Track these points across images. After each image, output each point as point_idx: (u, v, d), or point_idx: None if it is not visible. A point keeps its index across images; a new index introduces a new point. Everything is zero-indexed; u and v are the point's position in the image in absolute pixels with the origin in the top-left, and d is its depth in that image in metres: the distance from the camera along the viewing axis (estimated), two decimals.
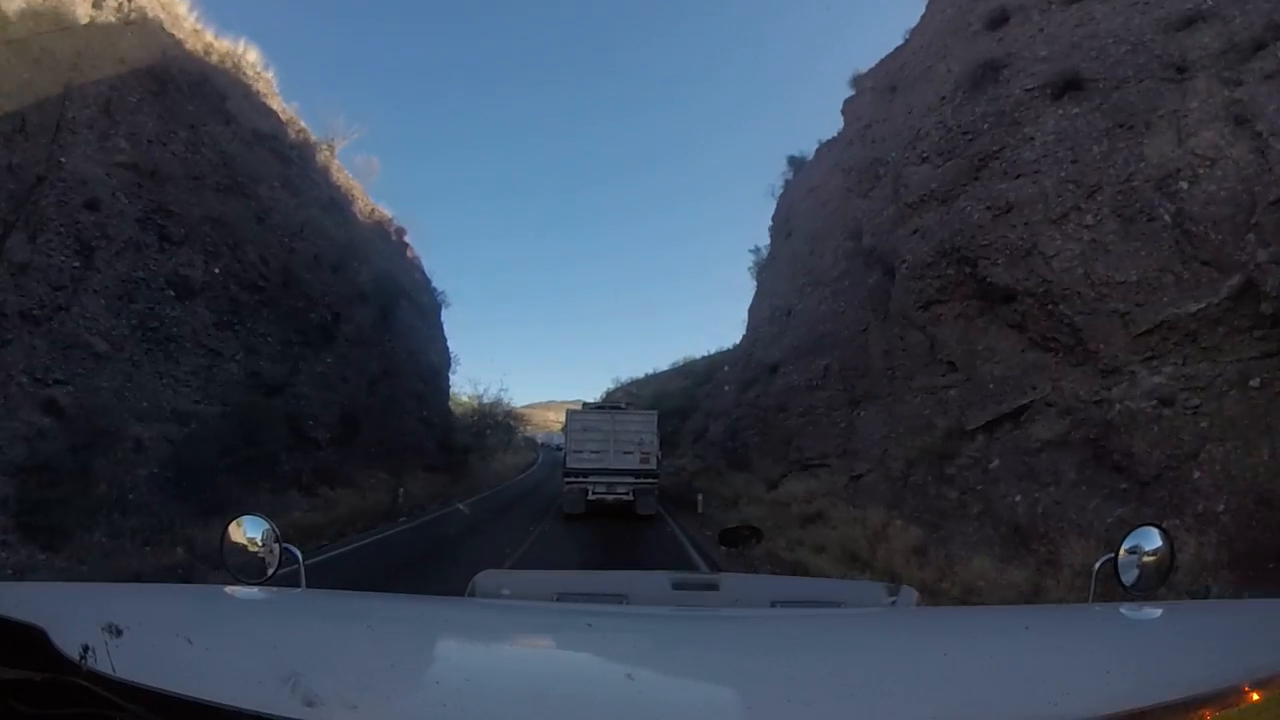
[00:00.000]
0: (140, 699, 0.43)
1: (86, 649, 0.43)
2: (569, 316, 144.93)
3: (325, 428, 10.32)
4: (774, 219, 15.98)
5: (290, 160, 11.88)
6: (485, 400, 24.89)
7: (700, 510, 10.02)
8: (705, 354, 25.94)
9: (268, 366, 9.37)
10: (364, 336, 12.53)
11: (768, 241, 16.19)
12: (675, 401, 22.96)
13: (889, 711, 0.51)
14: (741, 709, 0.55)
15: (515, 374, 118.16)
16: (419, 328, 16.26)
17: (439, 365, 18.17)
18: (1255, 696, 0.44)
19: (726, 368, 18.56)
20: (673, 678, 0.65)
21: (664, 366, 30.56)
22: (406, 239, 18.14)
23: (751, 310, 16.16)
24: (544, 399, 48.32)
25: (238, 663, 0.55)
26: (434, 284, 18.36)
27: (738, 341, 17.74)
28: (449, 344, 19.10)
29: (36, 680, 0.44)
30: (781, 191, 15.95)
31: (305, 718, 0.42)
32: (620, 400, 19.04)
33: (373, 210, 16.26)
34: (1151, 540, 0.93)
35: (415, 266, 18.29)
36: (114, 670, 0.43)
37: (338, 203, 13.69)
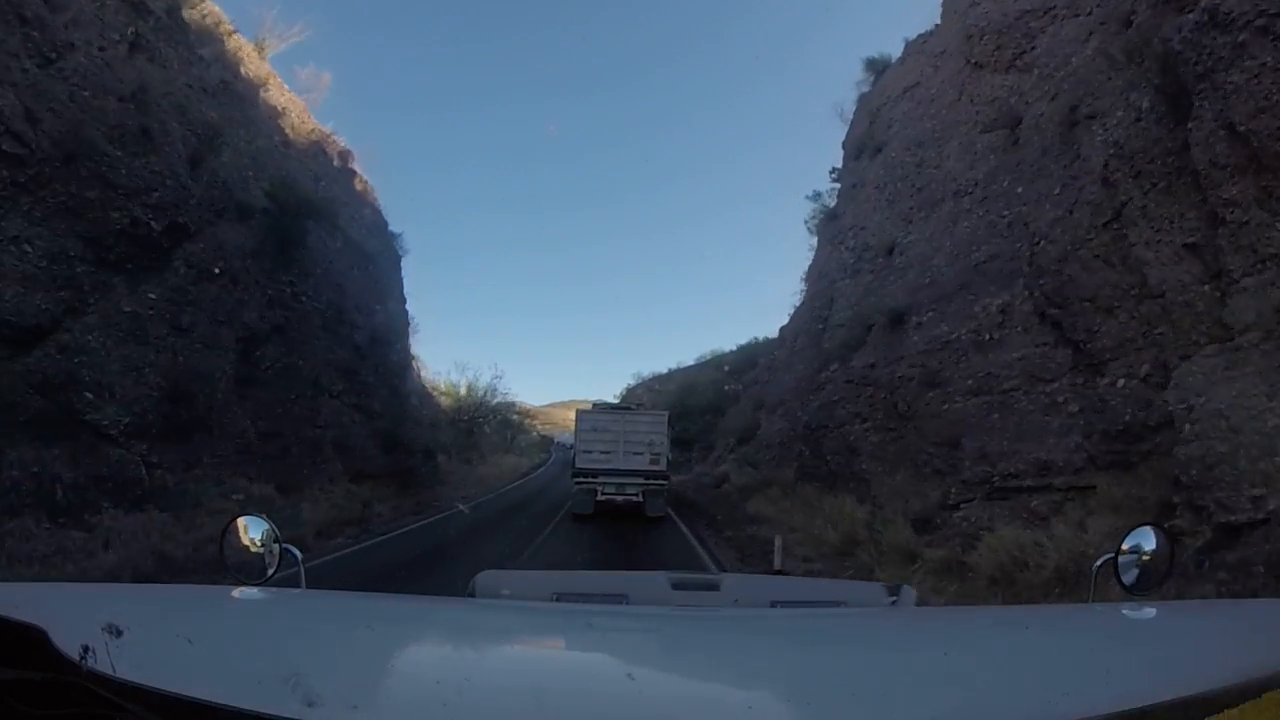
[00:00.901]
0: (140, 699, 0.47)
1: (86, 649, 0.46)
2: (591, 312, 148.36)
3: (125, 406, 6.65)
4: (847, 143, 13.26)
5: (150, 13, 8.19)
6: (476, 389, 21.96)
7: (778, 566, 5.84)
8: (737, 345, 25.16)
9: (16, 295, 6.07)
10: (235, 270, 8.44)
11: (831, 185, 13.50)
12: (706, 395, 21.23)
13: (890, 711, 0.57)
14: (742, 709, 0.60)
15: (536, 371, 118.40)
16: (356, 276, 12.20)
17: (387, 332, 13.94)
18: (1255, 696, 0.46)
19: (759, 361, 16.44)
20: (673, 677, 0.71)
21: (689, 360, 30.58)
22: (354, 166, 14.41)
23: (815, 268, 13.75)
24: (565, 398, 49.05)
25: (238, 663, 0.60)
26: (395, 232, 14.28)
27: (786, 322, 15.70)
28: (410, 309, 14.96)
29: (36, 680, 0.48)
30: (856, 107, 12.85)
31: (305, 718, 0.46)
32: (641, 397, 19.22)
33: (312, 129, 13.05)
34: (1151, 540, 0.99)
35: (364, 202, 14.78)
36: (114, 670, 0.47)
37: (240, 96, 9.85)
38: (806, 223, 14.80)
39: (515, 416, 28.69)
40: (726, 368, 23.15)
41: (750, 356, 22.08)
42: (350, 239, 12.93)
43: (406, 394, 15.37)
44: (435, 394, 22.92)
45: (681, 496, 13.37)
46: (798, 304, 15.26)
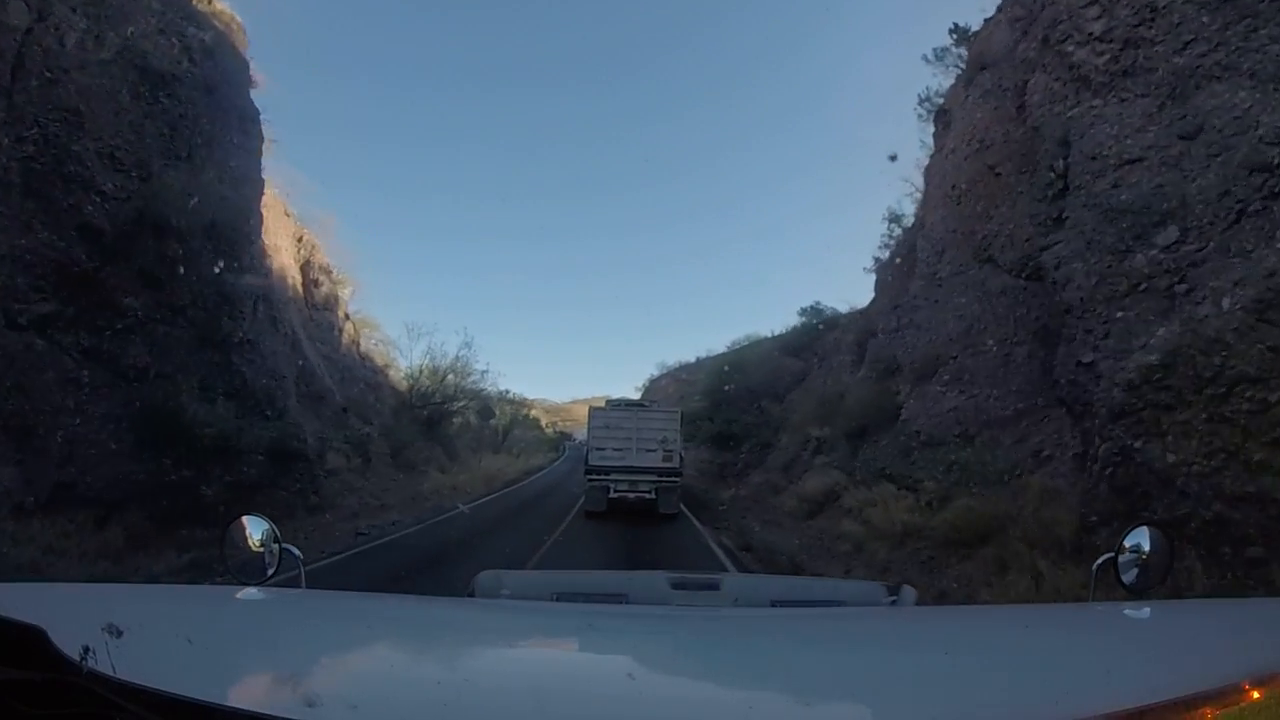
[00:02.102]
0: (140, 699, 0.69)
1: (86, 649, 0.69)
2: (613, 307, 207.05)
3: None
4: None
5: None
6: (437, 365, 24.28)
7: None
8: (799, 309, 30.66)
9: None
10: None
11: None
12: (755, 377, 24.50)
13: (890, 711, 0.86)
14: (742, 708, 0.87)
15: (559, 369, 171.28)
16: (125, 107, 11.16)
17: (192, 221, 11.75)
18: (1255, 696, 0.69)
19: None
20: (673, 677, 1.05)
21: (719, 349, 39.44)
22: None
23: (959, 148, 15.25)
24: (589, 394, 64.11)
25: (238, 663, 0.89)
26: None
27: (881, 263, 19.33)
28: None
29: (37, 681, 0.70)
30: None
31: (305, 718, 0.68)
32: (667, 388, 26.72)
33: None
34: (1151, 540, 1.46)
35: (206, 24, 14.48)
36: (114, 671, 0.69)
37: None
38: (921, 103, 17.71)
39: (507, 405, 33.27)
40: (726, 367, 28.12)
41: (813, 328, 25.65)
42: (135, 49, 11.41)
43: (243, 343, 12.84)
44: (382, 369, 24.87)
45: (760, 548, 11.11)
46: (890, 242, 18.22)
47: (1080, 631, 1.26)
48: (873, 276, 20.98)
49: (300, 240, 20.41)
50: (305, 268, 20.59)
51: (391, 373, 25.80)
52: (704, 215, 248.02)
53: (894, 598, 1.68)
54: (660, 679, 1.01)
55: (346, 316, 24.18)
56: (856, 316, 19.73)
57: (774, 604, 1.65)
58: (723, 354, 36.73)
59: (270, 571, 1.45)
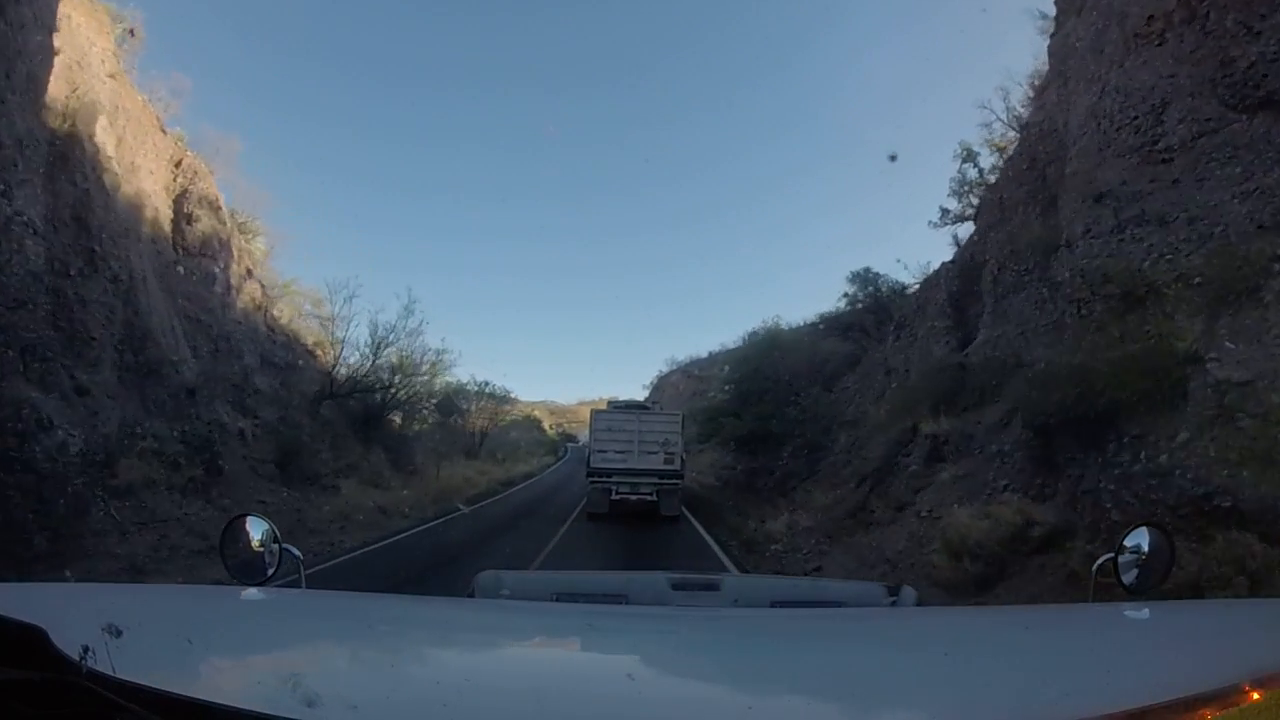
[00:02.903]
0: (140, 699, 0.84)
1: (86, 649, 0.85)
2: (620, 307, 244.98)
3: None
4: None
5: None
6: (378, 339, 25.05)
7: None
8: (789, 325, 31.81)
9: None
10: None
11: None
12: (791, 361, 24.76)
13: (890, 711, 1.09)
14: (741, 709, 1.09)
15: (565, 369, 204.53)
16: None
17: None
18: (1255, 696, 0.86)
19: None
20: (673, 678, 1.30)
21: (732, 342, 45.20)
22: None
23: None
24: (596, 395, 72.49)
25: (238, 663, 1.12)
26: None
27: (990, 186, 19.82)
28: None
29: (36, 680, 0.85)
30: None
31: (305, 718, 0.85)
32: (678, 385, 31.12)
33: None
34: (1151, 540, 1.80)
35: None
36: (114, 670, 0.85)
37: None
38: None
39: (486, 400, 32.61)
40: (726, 367, 28.11)
41: (871, 298, 25.78)
42: None
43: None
44: (310, 349, 24.25)
45: None
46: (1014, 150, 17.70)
47: (1080, 631, 1.51)
48: (940, 234, 19.62)
49: (179, 165, 18.52)
50: (181, 199, 18.54)
51: (322, 353, 24.78)
52: (707, 215, 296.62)
53: (894, 598, 1.97)
54: (660, 679, 1.21)
55: (249, 273, 21.79)
56: (947, 269, 19.54)
57: (774, 604, 1.96)
58: (738, 346, 38.97)
59: (270, 571, 1.74)
